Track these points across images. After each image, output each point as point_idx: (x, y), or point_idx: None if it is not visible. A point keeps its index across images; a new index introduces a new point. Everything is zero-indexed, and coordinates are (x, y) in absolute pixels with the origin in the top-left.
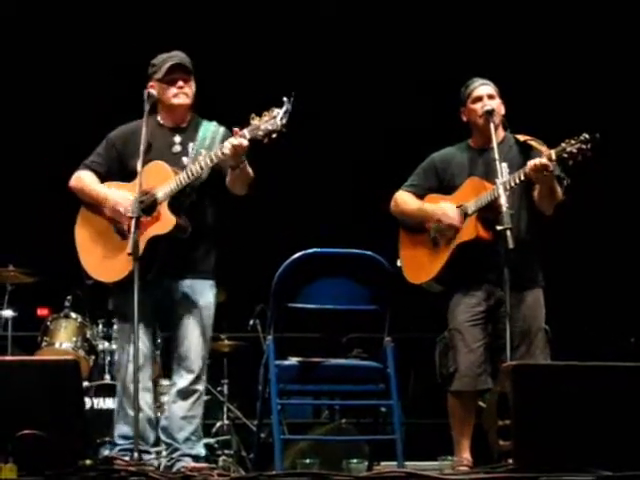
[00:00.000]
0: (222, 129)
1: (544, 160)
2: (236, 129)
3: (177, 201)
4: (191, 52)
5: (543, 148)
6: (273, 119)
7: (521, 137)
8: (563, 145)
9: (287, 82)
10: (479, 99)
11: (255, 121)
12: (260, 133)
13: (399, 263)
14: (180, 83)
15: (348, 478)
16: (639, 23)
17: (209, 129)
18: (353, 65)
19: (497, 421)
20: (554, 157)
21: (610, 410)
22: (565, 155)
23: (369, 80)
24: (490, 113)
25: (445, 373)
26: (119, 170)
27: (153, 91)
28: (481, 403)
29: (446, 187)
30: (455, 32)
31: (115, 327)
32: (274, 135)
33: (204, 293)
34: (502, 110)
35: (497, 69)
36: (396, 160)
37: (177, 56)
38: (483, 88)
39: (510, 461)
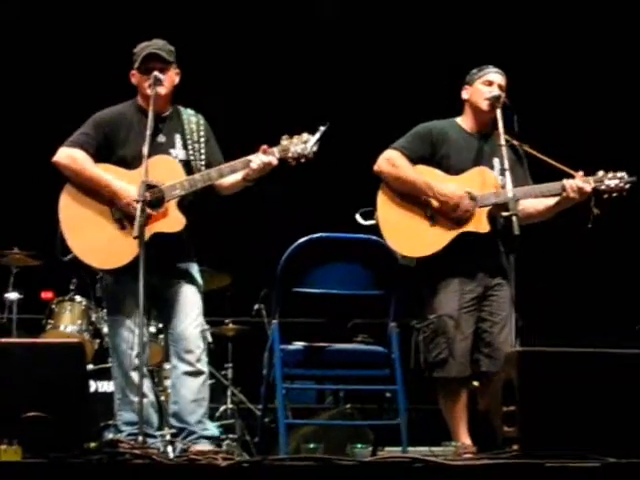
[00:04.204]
0: (202, 119)
1: (588, 187)
2: (265, 147)
3: (182, 200)
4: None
5: (553, 162)
6: (304, 144)
7: (514, 141)
8: (600, 175)
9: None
10: (490, 83)
11: (285, 142)
12: (289, 155)
13: (367, 222)
14: (156, 73)
15: (352, 463)
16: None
17: (191, 120)
18: (353, 66)
19: (502, 407)
20: (593, 185)
21: (615, 397)
22: (603, 187)
23: (368, 80)
24: (497, 99)
25: (432, 360)
26: (106, 154)
27: (160, 75)
28: (475, 383)
29: (438, 161)
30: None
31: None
32: (302, 160)
33: (195, 275)
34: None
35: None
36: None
37: (154, 45)
38: (498, 76)
39: (515, 447)
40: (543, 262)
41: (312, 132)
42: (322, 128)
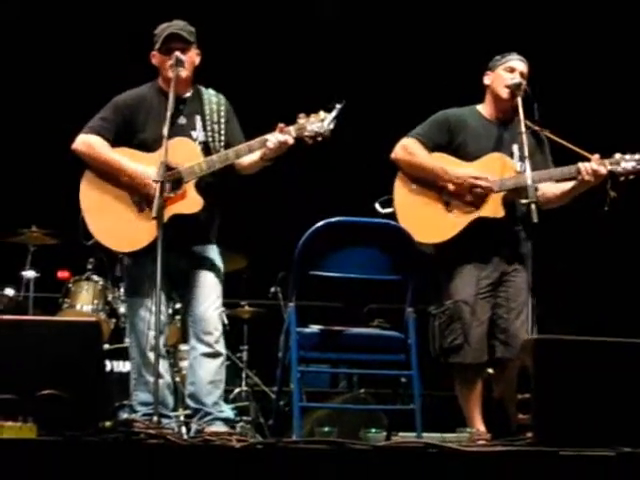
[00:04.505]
0: (223, 99)
1: (603, 169)
2: (281, 125)
3: (200, 181)
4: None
5: (571, 146)
6: (321, 122)
7: (535, 127)
8: (617, 157)
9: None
10: (512, 70)
11: (302, 120)
12: (306, 134)
13: (385, 210)
14: (177, 53)
15: (366, 447)
16: None
17: (211, 100)
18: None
19: (517, 394)
20: (609, 167)
21: (630, 386)
22: (619, 170)
23: (391, 67)
24: (518, 86)
25: (448, 346)
26: (126, 138)
27: (181, 56)
28: (490, 370)
29: (455, 149)
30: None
31: (123, 293)
32: (319, 138)
33: (215, 258)
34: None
35: None
36: None
37: (175, 25)
38: (520, 64)
39: (529, 434)
40: (560, 247)
41: (329, 111)
42: (338, 106)
